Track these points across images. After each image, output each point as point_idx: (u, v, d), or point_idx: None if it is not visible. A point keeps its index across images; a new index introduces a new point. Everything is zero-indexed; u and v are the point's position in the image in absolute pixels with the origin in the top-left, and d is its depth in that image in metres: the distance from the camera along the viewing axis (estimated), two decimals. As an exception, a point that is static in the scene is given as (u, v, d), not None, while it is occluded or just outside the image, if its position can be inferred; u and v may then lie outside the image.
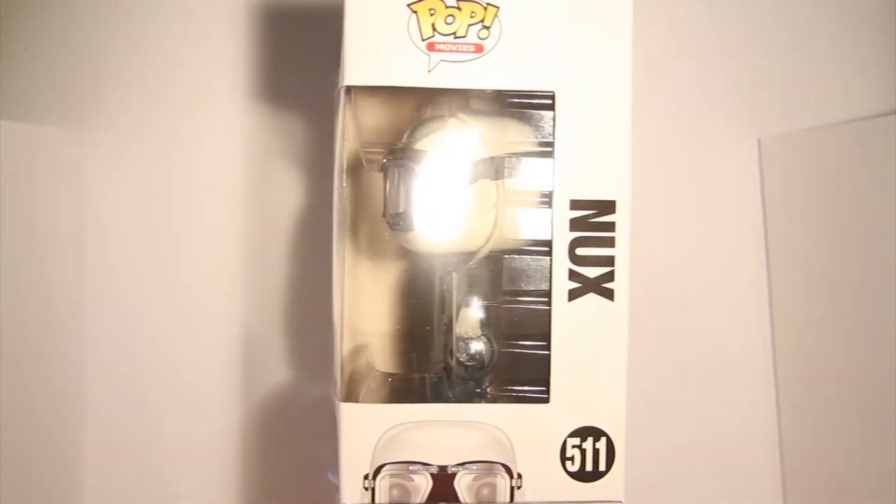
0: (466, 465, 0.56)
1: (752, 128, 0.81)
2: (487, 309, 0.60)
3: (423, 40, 0.55)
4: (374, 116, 0.60)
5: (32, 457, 0.72)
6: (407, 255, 0.61)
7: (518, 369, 0.59)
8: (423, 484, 0.56)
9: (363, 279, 0.62)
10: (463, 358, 0.59)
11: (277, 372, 0.78)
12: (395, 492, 0.55)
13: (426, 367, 0.61)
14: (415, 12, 0.55)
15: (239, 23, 0.80)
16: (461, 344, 0.59)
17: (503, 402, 0.57)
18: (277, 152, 0.77)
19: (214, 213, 0.80)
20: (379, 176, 0.60)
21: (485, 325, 0.60)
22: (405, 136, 0.60)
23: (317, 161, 0.78)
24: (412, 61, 0.55)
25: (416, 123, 0.60)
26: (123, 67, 0.79)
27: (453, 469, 0.56)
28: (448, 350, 0.60)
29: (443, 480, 0.55)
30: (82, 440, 0.79)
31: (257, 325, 0.79)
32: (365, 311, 0.62)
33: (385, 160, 0.60)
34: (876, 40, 0.81)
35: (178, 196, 0.80)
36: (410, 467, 0.56)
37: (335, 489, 0.67)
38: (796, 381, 0.79)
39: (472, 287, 0.60)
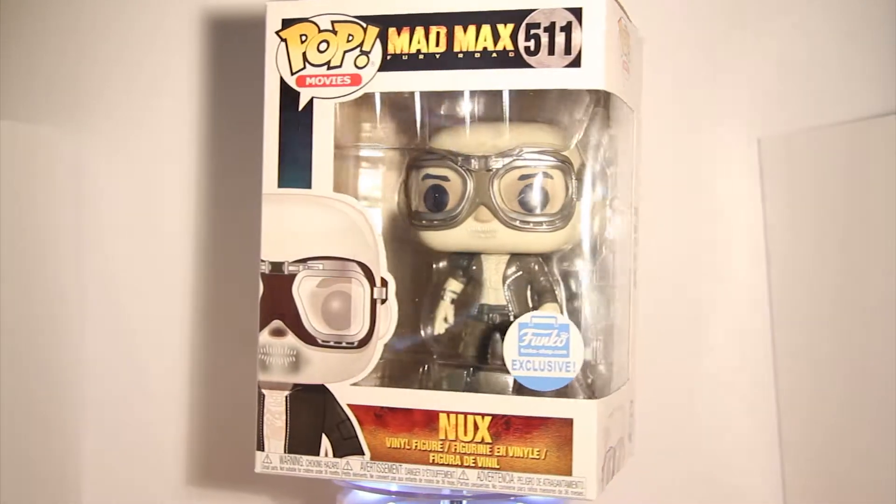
0: (620, 440, 0.64)
1: (752, 128, 0.80)
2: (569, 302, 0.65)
3: (622, 56, 0.61)
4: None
5: (32, 457, 0.73)
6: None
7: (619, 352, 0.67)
8: (611, 463, 0.62)
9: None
10: None
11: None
12: (605, 475, 0.60)
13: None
14: (619, 28, 0.60)
15: (236, 25, 0.81)
16: None
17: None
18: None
19: (213, 211, 0.81)
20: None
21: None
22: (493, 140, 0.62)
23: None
24: (621, 75, 0.60)
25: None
26: (121, 68, 0.80)
27: (613, 446, 0.63)
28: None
29: (610, 455, 0.62)
30: (82, 440, 0.80)
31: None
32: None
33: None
34: (876, 40, 0.79)
35: (176, 194, 0.81)
36: (617, 449, 0.61)
37: (336, 489, 0.67)
38: (796, 382, 0.78)
39: (549, 284, 0.64)
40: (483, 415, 0.58)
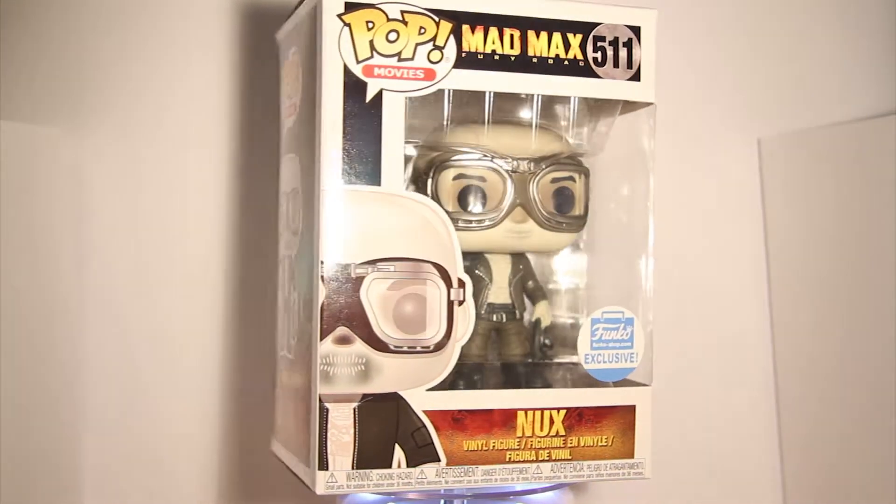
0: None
1: (752, 128, 0.79)
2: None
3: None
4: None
5: (32, 457, 0.73)
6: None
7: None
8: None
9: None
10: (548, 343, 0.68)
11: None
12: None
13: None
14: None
15: (236, 25, 0.79)
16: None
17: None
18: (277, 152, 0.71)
19: (213, 212, 0.79)
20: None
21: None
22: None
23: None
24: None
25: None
26: (121, 68, 0.79)
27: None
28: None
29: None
30: (82, 440, 0.79)
31: (259, 323, 0.79)
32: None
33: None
34: (876, 40, 0.80)
35: (176, 195, 0.79)
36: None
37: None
38: (796, 381, 0.77)
39: (539, 283, 0.67)
40: (558, 409, 0.60)
